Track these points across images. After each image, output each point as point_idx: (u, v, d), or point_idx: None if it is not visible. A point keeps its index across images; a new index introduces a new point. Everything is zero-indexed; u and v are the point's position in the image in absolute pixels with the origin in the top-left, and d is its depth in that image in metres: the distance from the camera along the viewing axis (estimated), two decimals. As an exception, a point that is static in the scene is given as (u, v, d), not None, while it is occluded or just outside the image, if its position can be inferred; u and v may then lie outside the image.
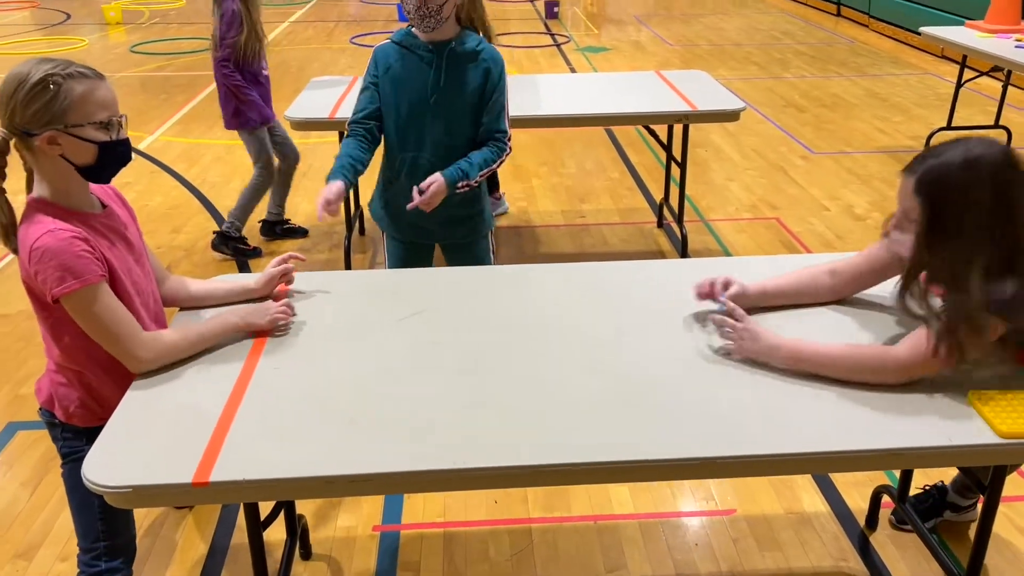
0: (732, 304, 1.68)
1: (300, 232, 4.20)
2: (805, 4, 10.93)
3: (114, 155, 1.57)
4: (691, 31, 9.40)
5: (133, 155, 1.65)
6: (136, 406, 1.50)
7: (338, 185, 2.16)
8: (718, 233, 4.26)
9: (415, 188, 2.21)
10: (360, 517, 2.36)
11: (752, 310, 1.74)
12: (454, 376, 1.60)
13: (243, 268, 3.92)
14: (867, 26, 9.34)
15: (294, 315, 1.77)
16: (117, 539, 1.71)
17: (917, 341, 1.52)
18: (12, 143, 1.52)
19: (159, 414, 1.48)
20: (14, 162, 1.55)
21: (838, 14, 10.13)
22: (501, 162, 2.37)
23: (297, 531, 2.03)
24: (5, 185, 1.54)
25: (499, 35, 9.00)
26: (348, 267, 3.78)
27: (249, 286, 1.84)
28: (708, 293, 1.78)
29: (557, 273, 2.05)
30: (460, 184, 2.26)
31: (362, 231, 4.30)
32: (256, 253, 3.98)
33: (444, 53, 2.26)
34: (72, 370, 1.63)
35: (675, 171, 3.97)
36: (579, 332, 1.76)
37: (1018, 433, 1.44)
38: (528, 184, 4.91)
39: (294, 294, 1.89)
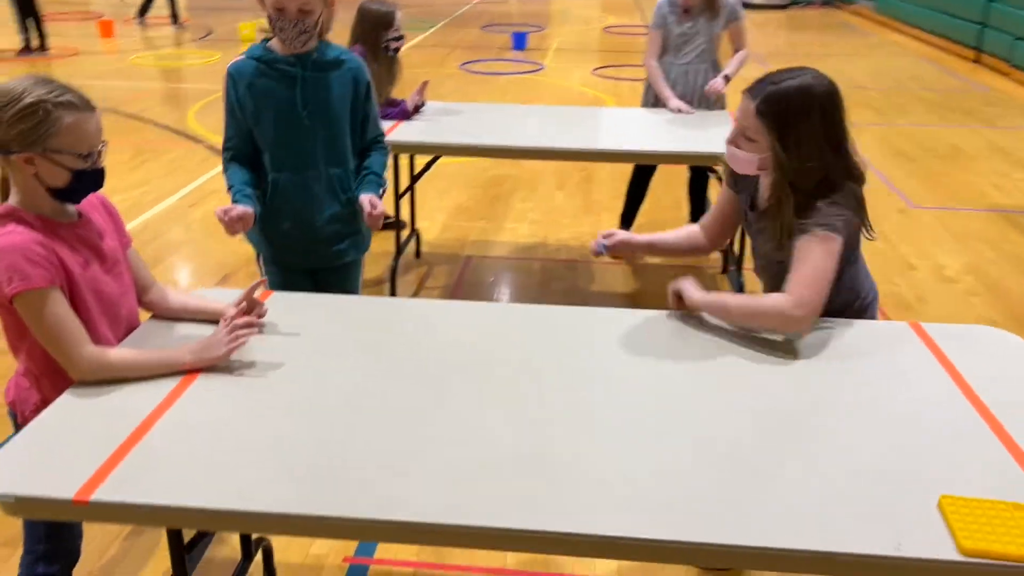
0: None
1: (399, 225, 4.21)
2: (942, 49, 10.30)
3: (86, 183, 1.62)
4: (811, 71, 9.02)
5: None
6: (58, 414, 1.52)
7: (244, 208, 2.10)
8: (786, 285, 4.00)
9: (366, 213, 2.20)
10: (333, 545, 2.32)
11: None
12: (397, 422, 1.53)
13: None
14: (1008, 75, 8.68)
15: (249, 336, 1.72)
16: (59, 544, 1.73)
17: (790, 288, 1.73)
18: None
19: (75, 424, 1.49)
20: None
21: (976, 60, 9.48)
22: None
23: (252, 554, 2.01)
24: None
25: (602, 67, 8.97)
26: (393, 292, 3.79)
27: (220, 310, 1.81)
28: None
29: (575, 317, 1.93)
30: (382, 191, 2.28)
31: (417, 254, 4.31)
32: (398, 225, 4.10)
33: (308, 65, 2.17)
34: (33, 374, 1.67)
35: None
36: (573, 385, 1.65)
37: (982, 551, 1.23)
38: (598, 217, 4.80)
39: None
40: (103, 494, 1.31)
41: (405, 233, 4.23)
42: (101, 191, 1.72)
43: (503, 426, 1.51)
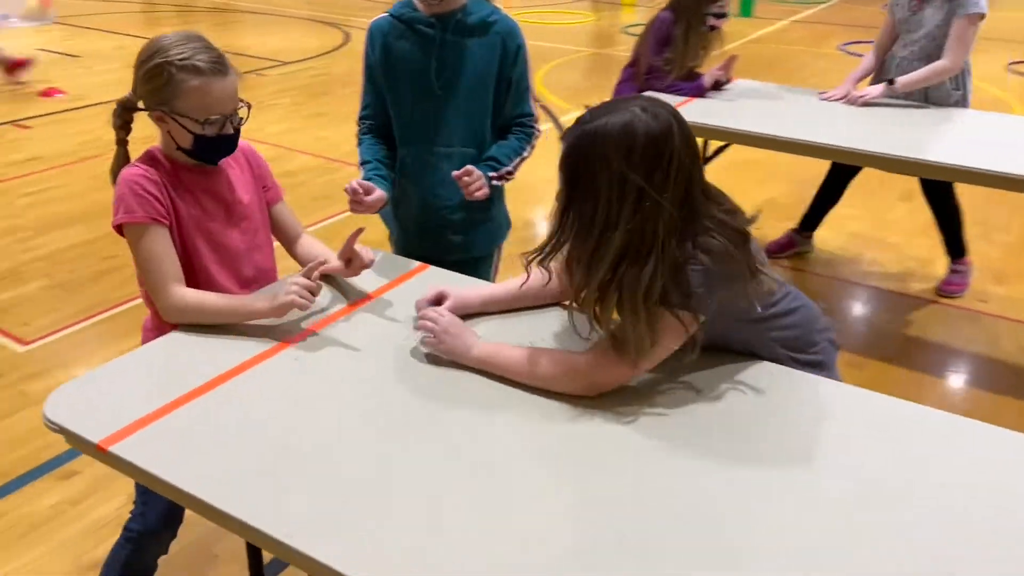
0: (433, 308, 1.55)
1: None
2: None
3: (209, 147, 1.59)
4: None
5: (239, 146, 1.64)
6: (139, 357, 1.51)
7: (381, 193, 1.87)
8: None
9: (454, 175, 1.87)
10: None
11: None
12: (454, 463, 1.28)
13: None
14: None
15: (311, 300, 1.55)
16: (149, 504, 1.68)
17: (597, 349, 1.38)
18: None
19: (148, 369, 1.47)
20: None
21: None
22: (531, 149, 2.01)
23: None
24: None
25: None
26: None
27: (333, 266, 1.71)
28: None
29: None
30: (493, 176, 1.93)
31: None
32: None
33: (449, 27, 1.88)
34: (152, 309, 1.68)
35: None
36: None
37: None
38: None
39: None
40: (121, 448, 1.25)
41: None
42: (251, 145, 1.74)
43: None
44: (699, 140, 3.36)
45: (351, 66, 7.35)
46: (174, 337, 1.55)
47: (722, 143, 3.42)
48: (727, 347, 1.49)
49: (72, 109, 5.87)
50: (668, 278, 1.29)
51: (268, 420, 1.34)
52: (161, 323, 1.61)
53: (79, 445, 1.32)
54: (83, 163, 4.83)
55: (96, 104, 5.92)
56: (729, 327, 1.43)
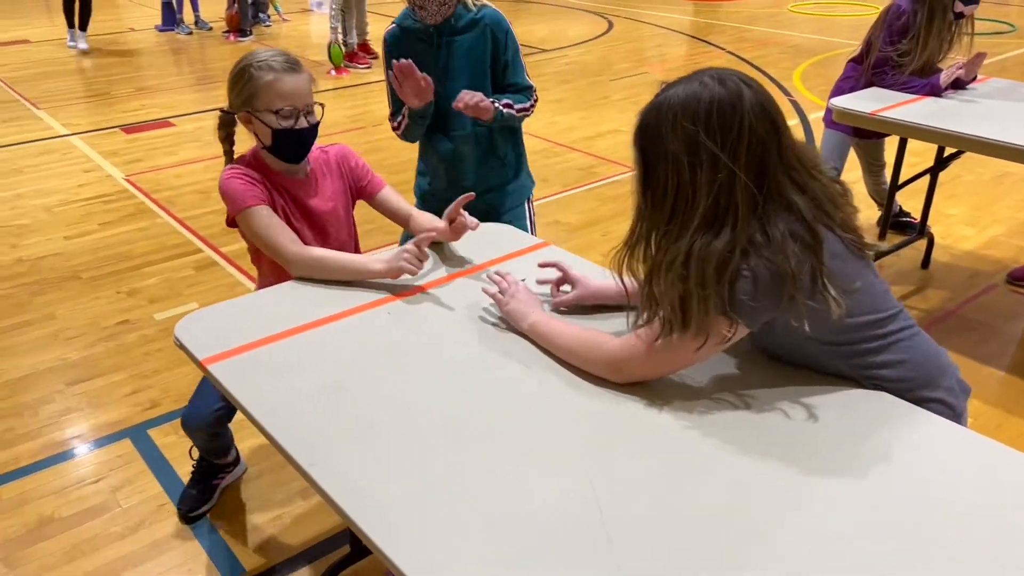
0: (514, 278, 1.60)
1: (911, 227, 3.58)
2: None
3: (287, 141, 1.75)
4: None
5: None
6: (258, 296, 1.71)
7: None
8: None
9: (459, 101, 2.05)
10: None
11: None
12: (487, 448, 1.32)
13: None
14: None
15: (419, 267, 1.66)
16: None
17: (634, 334, 1.33)
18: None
19: (260, 308, 1.64)
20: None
21: None
22: (528, 112, 2.21)
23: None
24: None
25: None
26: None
27: (437, 227, 1.81)
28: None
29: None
30: (499, 105, 2.11)
31: (925, 263, 3.46)
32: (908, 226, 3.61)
33: (444, 32, 2.13)
34: (259, 272, 1.92)
35: None
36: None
37: None
38: None
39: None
40: (216, 367, 1.44)
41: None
42: (345, 147, 1.93)
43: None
44: (932, 145, 3.08)
45: (602, 55, 7.43)
46: (290, 285, 1.72)
47: (955, 150, 3.03)
48: (802, 365, 1.37)
49: (346, 87, 6.52)
50: (718, 278, 1.20)
51: (341, 363, 1.45)
52: (265, 285, 1.81)
53: (192, 359, 1.52)
54: (347, 133, 5.38)
55: (365, 84, 6.54)
56: (793, 343, 1.30)
